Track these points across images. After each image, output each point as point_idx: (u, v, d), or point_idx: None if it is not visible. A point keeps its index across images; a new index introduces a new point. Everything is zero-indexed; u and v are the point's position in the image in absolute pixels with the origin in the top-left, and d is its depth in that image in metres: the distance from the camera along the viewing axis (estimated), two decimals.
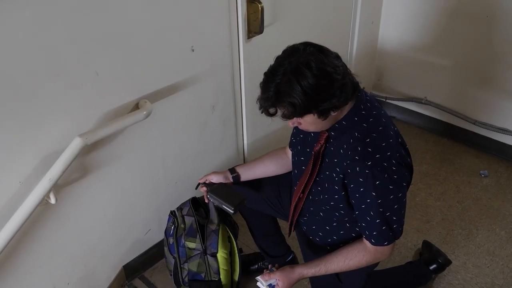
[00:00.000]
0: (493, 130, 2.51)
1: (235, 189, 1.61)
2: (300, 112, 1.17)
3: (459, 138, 2.71)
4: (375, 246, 1.30)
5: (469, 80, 2.53)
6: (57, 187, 1.39)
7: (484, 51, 2.40)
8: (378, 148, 1.24)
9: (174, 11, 1.55)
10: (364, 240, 1.32)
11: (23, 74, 1.24)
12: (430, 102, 2.71)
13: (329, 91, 1.15)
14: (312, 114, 1.18)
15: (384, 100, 2.91)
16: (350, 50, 2.65)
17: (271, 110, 1.21)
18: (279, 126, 2.22)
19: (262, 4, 1.79)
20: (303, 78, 1.12)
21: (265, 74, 1.20)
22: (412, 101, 2.80)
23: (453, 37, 2.49)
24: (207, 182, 1.61)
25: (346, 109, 1.27)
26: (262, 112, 1.23)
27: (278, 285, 1.38)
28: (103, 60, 1.41)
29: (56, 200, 1.39)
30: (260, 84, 1.21)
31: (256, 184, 1.65)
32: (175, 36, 1.60)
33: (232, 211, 1.50)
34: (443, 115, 2.72)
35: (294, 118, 1.22)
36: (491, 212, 2.20)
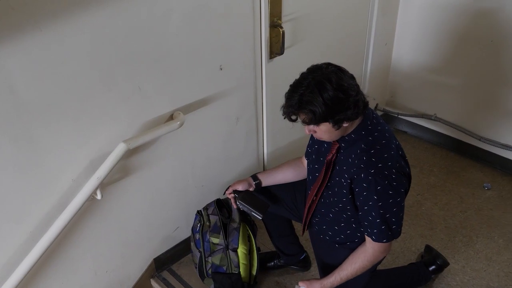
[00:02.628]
0: (497, 146, 2.67)
1: (259, 196, 1.82)
2: (318, 119, 1.37)
3: (465, 152, 2.87)
4: (374, 243, 1.49)
5: (476, 99, 2.70)
6: (102, 185, 1.61)
7: (490, 73, 2.58)
8: (380, 158, 1.44)
9: (206, 35, 1.78)
10: (366, 237, 1.52)
11: (82, 87, 1.48)
12: (439, 119, 2.88)
13: (345, 104, 1.36)
14: (328, 123, 1.38)
15: (397, 115, 3.09)
16: (364, 69, 2.85)
17: (293, 117, 1.42)
18: (295, 137, 2.43)
19: (283, 29, 2.01)
20: (324, 90, 1.34)
21: (291, 85, 1.42)
22: (422, 117, 2.97)
23: (462, 60, 2.67)
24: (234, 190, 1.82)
25: (356, 123, 1.47)
26: (285, 118, 1.44)
27: None
28: (145, 77, 1.65)
29: (102, 196, 1.63)
30: (285, 94, 1.42)
31: (275, 189, 1.86)
32: (206, 56, 1.82)
33: (260, 218, 1.73)
34: (451, 131, 2.89)
35: (312, 126, 1.42)
36: (492, 222, 2.36)
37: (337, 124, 1.39)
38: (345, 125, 1.42)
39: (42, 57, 1.34)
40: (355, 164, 1.46)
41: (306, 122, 1.41)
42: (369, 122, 1.49)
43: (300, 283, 1.65)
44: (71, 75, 1.44)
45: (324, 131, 1.44)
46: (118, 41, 1.51)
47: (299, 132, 2.39)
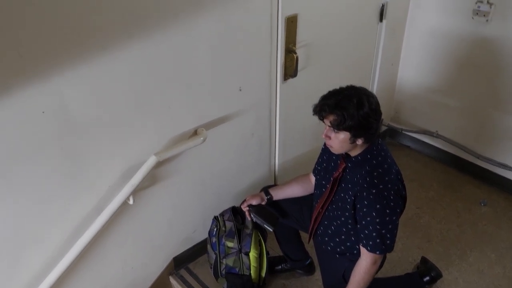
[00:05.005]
0: (494, 165, 2.85)
1: (270, 209, 2.02)
2: (344, 126, 1.55)
3: (464, 169, 3.05)
4: (368, 253, 1.68)
5: (475, 119, 2.89)
6: (134, 192, 1.84)
7: (487, 96, 2.76)
8: (381, 180, 1.64)
9: (229, 60, 1.99)
10: (361, 248, 1.71)
11: (121, 107, 1.70)
12: (440, 136, 3.07)
13: (370, 125, 1.56)
14: (348, 133, 1.57)
15: (400, 131, 3.28)
16: (371, 86, 3.05)
17: (324, 113, 1.59)
18: (303, 151, 2.64)
19: (297, 55, 2.22)
20: (361, 105, 1.54)
21: (330, 91, 1.61)
22: (424, 133, 3.16)
23: (462, 82, 2.86)
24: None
25: (363, 147, 1.67)
26: (315, 113, 1.61)
27: None
28: (174, 97, 1.86)
29: (134, 201, 1.85)
30: (322, 96, 1.61)
31: (284, 203, 2.06)
32: (228, 79, 2.04)
33: (271, 230, 1.94)
34: (451, 148, 3.07)
35: (332, 130, 1.60)
36: (485, 237, 2.54)
37: (354, 137, 1.58)
38: (358, 142, 1.61)
39: (91, 83, 1.56)
40: (359, 184, 1.66)
41: (332, 124, 1.57)
42: (374, 148, 1.69)
43: None
44: (113, 97, 1.66)
45: (340, 140, 1.61)
46: (153, 68, 1.73)
47: (307, 146, 2.61)
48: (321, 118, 1.62)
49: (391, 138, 3.42)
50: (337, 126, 1.57)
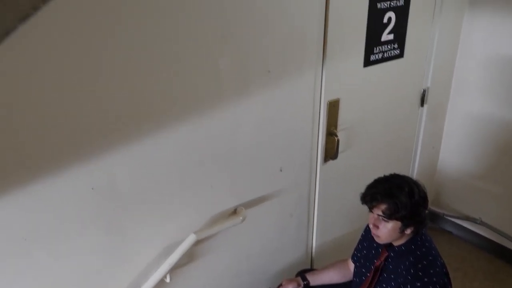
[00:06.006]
0: None
1: None
2: (396, 214, 1.53)
3: (511, 260, 2.90)
4: None
5: None
6: (171, 269, 1.83)
7: None
8: (427, 273, 1.58)
9: (271, 141, 2.03)
10: None
11: (164, 185, 1.74)
12: (484, 223, 2.96)
13: (420, 213, 1.55)
14: (399, 222, 1.55)
15: (442, 215, 3.19)
16: (411, 169, 3.02)
17: (374, 203, 1.57)
18: (342, 233, 2.58)
19: (338, 137, 2.25)
20: (413, 193, 1.53)
21: (377, 180, 1.61)
22: (467, 219, 3.06)
23: (505, 169, 2.79)
24: None
25: (409, 236, 1.63)
26: (364, 202, 1.59)
27: None
28: (216, 176, 1.90)
29: (170, 279, 1.84)
30: (369, 185, 1.60)
31: None
32: (269, 159, 2.07)
33: None
34: (496, 237, 2.94)
35: (381, 220, 1.56)
36: None
37: (404, 226, 1.56)
38: (407, 232, 1.58)
39: (138, 161, 1.62)
40: (403, 275, 1.60)
41: (383, 213, 1.54)
42: (419, 238, 1.64)
43: None
44: (158, 175, 1.70)
45: (389, 229, 1.57)
46: (198, 148, 1.78)
47: (345, 229, 2.57)
48: (371, 207, 1.60)
49: (432, 222, 3.32)
50: (389, 216, 1.55)
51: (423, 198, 1.56)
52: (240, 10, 1.68)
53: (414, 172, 3.02)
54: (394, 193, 1.53)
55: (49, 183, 1.42)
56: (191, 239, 1.80)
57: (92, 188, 1.53)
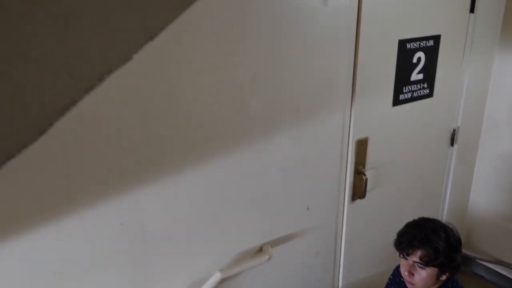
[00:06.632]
0: None
1: None
2: (433, 261, 1.48)
3: None
4: None
5: None
6: None
7: None
8: None
9: (298, 181, 2.02)
10: None
11: (191, 222, 1.74)
12: None
13: (456, 257, 1.50)
14: (435, 269, 1.50)
15: (473, 258, 3.08)
16: (441, 208, 2.94)
17: (411, 250, 1.52)
18: (369, 273, 2.52)
19: (366, 176, 2.22)
20: (448, 237, 1.49)
21: (408, 225, 1.57)
22: (500, 264, 2.95)
23: None
24: None
25: (441, 283, 1.58)
26: (399, 249, 1.54)
27: None
28: (243, 214, 1.89)
29: None
30: (401, 231, 1.56)
31: None
32: (296, 198, 2.05)
33: None
34: None
35: (419, 269, 1.51)
36: None
37: (441, 273, 1.51)
38: (443, 278, 1.53)
39: (166, 199, 1.64)
40: None
41: (421, 260, 1.49)
42: (450, 284, 1.59)
43: None
44: (185, 213, 1.71)
45: (425, 276, 1.52)
46: (225, 187, 1.79)
47: (373, 269, 2.51)
48: (407, 254, 1.54)
49: (463, 265, 3.19)
50: (427, 263, 1.50)
51: (459, 242, 1.51)
52: (272, 51, 1.71)
53: (443, 213, 2.94)
54: (431, 238, 1.49)
55: (81, 218, 1.44)
56: (216, 277, 1.79)
57: (121, 224, 1.54)
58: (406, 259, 1.55)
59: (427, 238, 1.49)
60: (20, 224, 1.35)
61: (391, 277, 1.82)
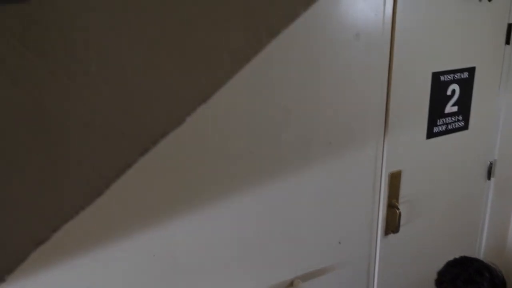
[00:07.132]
0: None
1: None
2: None
3: None
4: None
5: None
6: None
7: None
8: None
9: (330, 214, 2.00)
10: None
11: (221, 256, 1.73)
12: None
13: None
14: None
15: None
16: (478, 245, 2.83)
17: None
18: None
19: (400, 210, 2.17)
20: (493, 278, 1.45)
21: (449, 264, 1.56)
22: None
23: None
24: None
25: None
26: None
27: None
28: (273, 247, 1.87)
29: None
30: (442, 270, 1.55)
31: None
32: (328, 232, 2.02)
33: None
34: None
35: None
36: None
37: None
38: None
39: (198, 232, 1.64)
40: None
41: None
42: None
43: None
44: (216, 245, 1.71)
45: None
46: (256, 220, 1.78)
47: None
48: None
49: None
50: None
51: (503, 284, 1.45)
52: (304, 84, 1.72)
53: (481, 250, 2.83)
54: (474, 279, 1.44)
55: (115, 249, 1.46)
56: None
57: (154, 255, 1.55)
58: None
59: (471, 278, 1.45)
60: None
61: None
